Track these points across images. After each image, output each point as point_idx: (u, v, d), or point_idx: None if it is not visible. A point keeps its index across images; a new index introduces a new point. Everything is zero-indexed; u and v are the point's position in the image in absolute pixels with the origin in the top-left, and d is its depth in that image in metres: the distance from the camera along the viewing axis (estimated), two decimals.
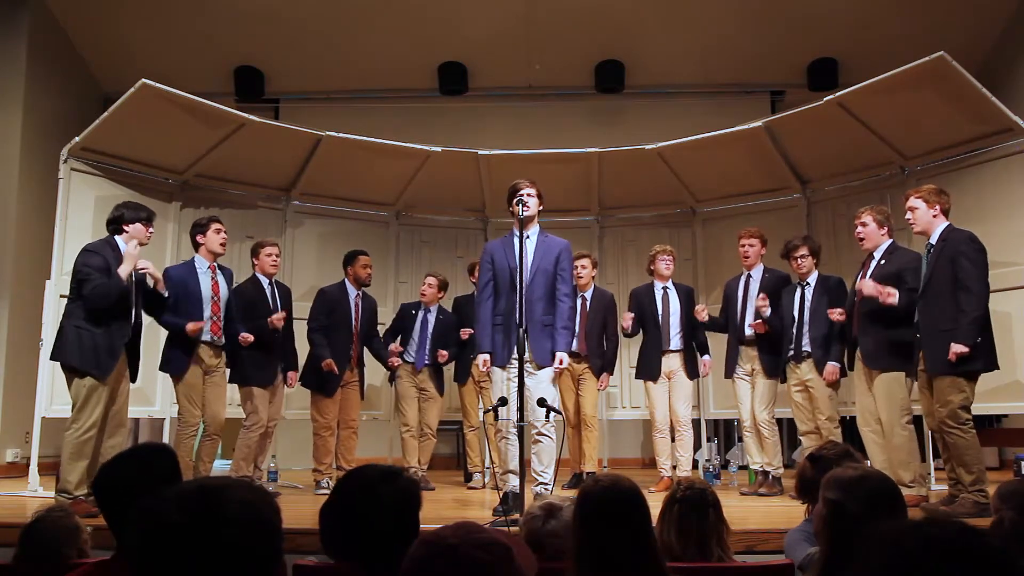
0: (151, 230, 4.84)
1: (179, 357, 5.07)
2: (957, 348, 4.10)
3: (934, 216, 4.36)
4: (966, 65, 5.42)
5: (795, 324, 5.32)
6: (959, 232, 4.31)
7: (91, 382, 4.47)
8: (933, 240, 4.36)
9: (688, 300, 5.97)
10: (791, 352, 5.33)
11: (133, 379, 4.82)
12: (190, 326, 4.99)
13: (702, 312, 5.75)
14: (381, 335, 6.33)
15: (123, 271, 4.51)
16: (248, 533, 1.15)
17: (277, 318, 5.36)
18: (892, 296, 4.42)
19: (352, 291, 5.93)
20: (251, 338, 5.19)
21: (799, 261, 5.37)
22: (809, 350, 5.24)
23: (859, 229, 4.83)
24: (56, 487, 4.58)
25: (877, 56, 6.87)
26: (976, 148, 5.67)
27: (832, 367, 5.13)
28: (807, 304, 5.31)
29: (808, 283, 5.36)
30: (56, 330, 5.51)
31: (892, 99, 5.67)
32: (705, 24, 7.88)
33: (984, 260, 4.22)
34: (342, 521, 1.74)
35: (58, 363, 4.65)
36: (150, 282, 4.87)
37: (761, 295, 5.47)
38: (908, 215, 4.46)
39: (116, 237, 4.70)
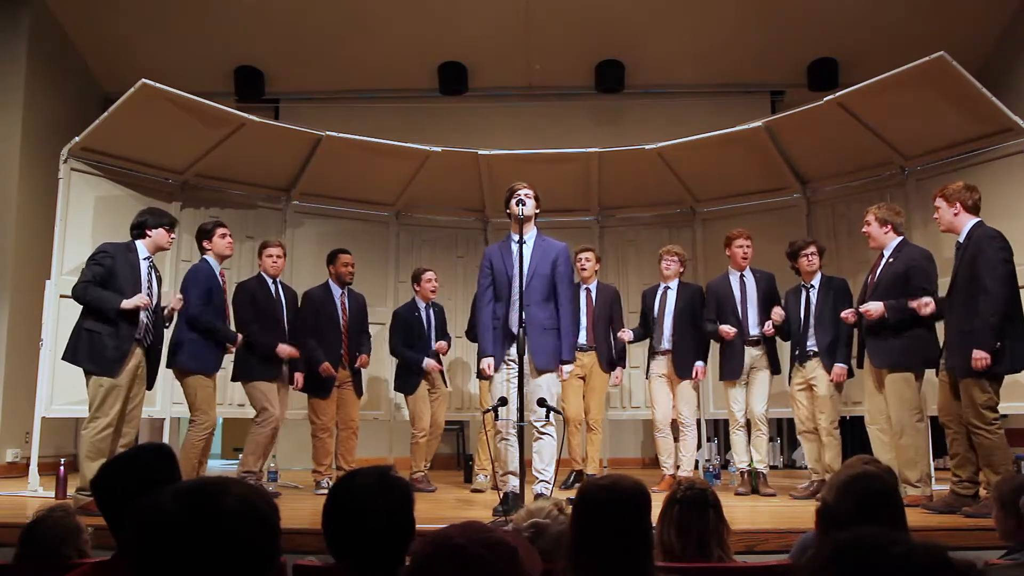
0: (173, 236, 4.92)
1: (211, 357, 5.05)
2: (978, 355, 4.06)
3: (956, 214, 4.35)
4: (966, 65, 5.42)
5: (800, 325, 5.32)
6: (984, 229, 4.26)
7: (108, 382, 4.51)
8: (961, 238, 4.34)
9: (689, 301, 5.94)
10: (796, 352, 5.34)
11: (149, 386, 4.84)
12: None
13: (729, 335, 5.62)
14: (391, 346, 6.33)
15: (125, 303, 4.52)
16: (246, 528, 1.16)
17: (285, 351, 5.44)
18: (873, 311, 4.52)
19: (337, 290, 5.93)
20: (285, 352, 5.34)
21: (809, 259, 5.35)
22: (816, 350, 5.24)
23: (864, 228, 4.88)
24: (77, 486, 4.59)
25: (877, 56, 6.87)
26: (976, 148, 5.67)
27: (839, 369, 5.14)
28: (812, 306, 5.30)
29: (812, 285, 5.36)
30: (54, 329, 5.59)
31: (892, 99, 5.67)
32: (705, 24, 7.88)
33: (1003, 258, 4.16)
34: (339, 524, 1.75)
35: (67, 360, 4.67)
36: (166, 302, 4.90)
37: (777, 310, 5.44)
38: (935, 214, 4.49)
39: (137, 241, 4.76)
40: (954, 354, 4.24)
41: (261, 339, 5.35)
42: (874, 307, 4.61)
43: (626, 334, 5.93)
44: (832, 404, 5.19)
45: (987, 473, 4.17)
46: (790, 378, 5.44)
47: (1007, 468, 4.11)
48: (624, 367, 6.23)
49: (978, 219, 4.34)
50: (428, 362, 6.13)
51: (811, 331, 5.28)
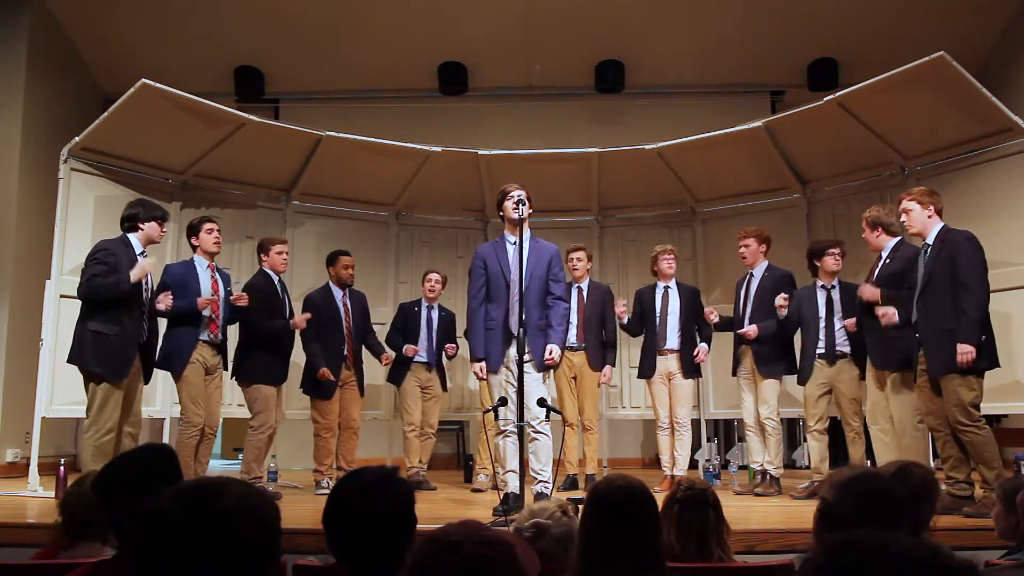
0: (165, 229, 4.92)
1: (183, 350, 5.03)
2: (964, 349, 4.09)
3: (929, 217, 4.39)
4: (966, 65, 5.42)
5: (824, 325, 5.27)
6: (957, 232, 4.32)
7: (107, 385, 4.52)
8: (930, 240, 4.37)
9: (691, 301, 5.94)
10: (821, 351, 5.28)
11: (147, 380, 4.84)
12: (202, 300, 4.98)
13: (711, 315, 5.73)
14: (386, 335, 6.38)
15: (133, 273, 4.53)
16: (245, 528, 1.16)
17: (301, 320, 5.51)
18: (891, 317, 4.46)
19: (338, 292, 5.93)
20: (303, 322, 5.50)
21: (836, 259, 5.35)
22: (844, 351, 5.21)
23: (862, 235, 4.91)
24: None
25: (877, 56, 6.87)
26: (976, 148, 5.67)
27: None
28: (835, 305, 5.27)
29: (834, 285, 5.35)
30: (54, 329, 5.59)
31: (892, 99, 5.67)
32: (705, 24, 7.88)
33: (982, 259, 4.22)
34: (341, 523, 1.75)
35: (65, 361, 4.70)
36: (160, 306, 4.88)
37: (783, 296, 5.41)
38: (903, 217, 4.49)
39: (130, 235, 4.75)
40: (934, 355, 4.24)
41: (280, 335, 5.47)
42: (869, 291, 4.66)
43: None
44: (858, 405, 5.16)
45: (982, 471, 4.18)
46: (806, 377, 5.35)
47: (999, 463, 4.15)
48: (614, 366, 6.20)
49: (944, 223, 4.40)
50: (406, 347, 6.15)
51: (837, 331, 5.24)
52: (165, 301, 4.82)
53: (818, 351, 5.30)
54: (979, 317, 4.13)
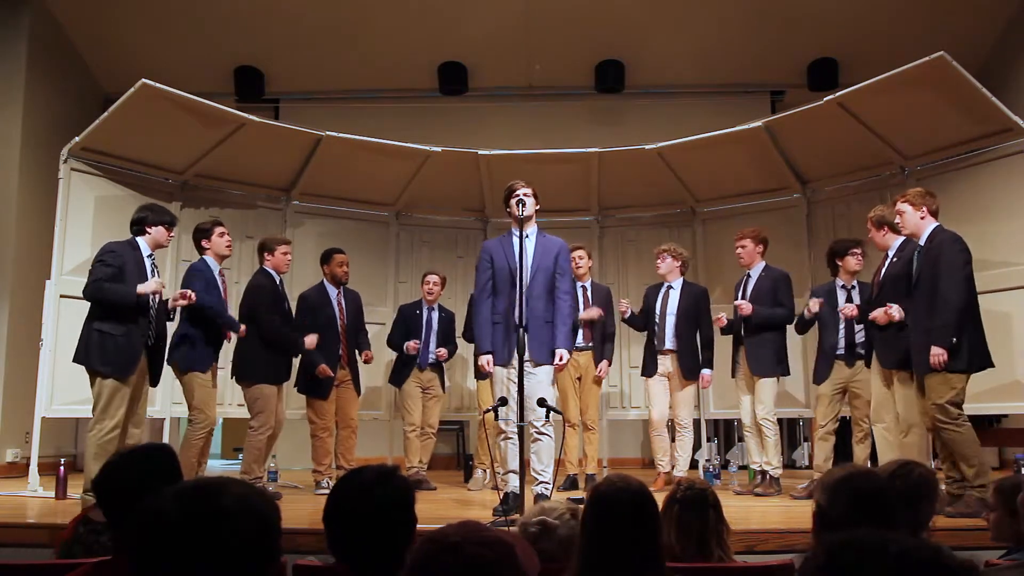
0: (172, 234, 4.93)
1: (208, 355, 5.03)
2: (936, 351, 4.15)
3: (921, 218, 4.41)
4: (966, 65, 5.42)
5: (844, 325, 5.26)
6: (945, 233, 4.34)
7: (113, 383, 4.52)
8: (923, 241, 4.40)
9: (693, 303, 5.88)
10: (840, 352, 5.27)
11: (154, 383, 4.85)
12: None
13: (720, 321, 5.74)
14: (387, 337, 6.38)
15: (141, 288, 4.54)
16: (245, 528, 1.16)
17: (312, 340, 5.53)
18: (893, 313, 4.47)
19: (332, 290, 5.93)
20: (314, 342, 5.55)
21: (858, 258, 5.33)
22: (863, 352, 5.19)
23: (869, 236, 4.94)
24: (84, 487, 4.59)
25: (877, 56, 6.87)
26: (976, 148, 5.67)
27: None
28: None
29: (854, 285, 5.34)
30: (54, 329, 5.59)
31: (892, 99, 5.67)
32: (705, 24, 7.88)
33: (964, 261, 4.23)
34: (341, 522, 1.76)
35: (71, 361, 4.69)
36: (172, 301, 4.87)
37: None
38: (896, 219, 4.51)
39: (138, 238, 4.76)
40: (917, 354, 4.29)
41: (289, 335, 5.49)
42: (897, 311, 4.60)
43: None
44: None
45: (962, 467, 4.19)
46: (823, 377, 5.34)
47: (979, 460, 4.16)
48: (610, 363, 6.18)
49: (938, 223, 4.41)
50: (408, 344, 6.15)
51: (857, 331, 5.21)
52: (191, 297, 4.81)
53: (838, 352, 5.28)
54: (952, 319, 4.15)
